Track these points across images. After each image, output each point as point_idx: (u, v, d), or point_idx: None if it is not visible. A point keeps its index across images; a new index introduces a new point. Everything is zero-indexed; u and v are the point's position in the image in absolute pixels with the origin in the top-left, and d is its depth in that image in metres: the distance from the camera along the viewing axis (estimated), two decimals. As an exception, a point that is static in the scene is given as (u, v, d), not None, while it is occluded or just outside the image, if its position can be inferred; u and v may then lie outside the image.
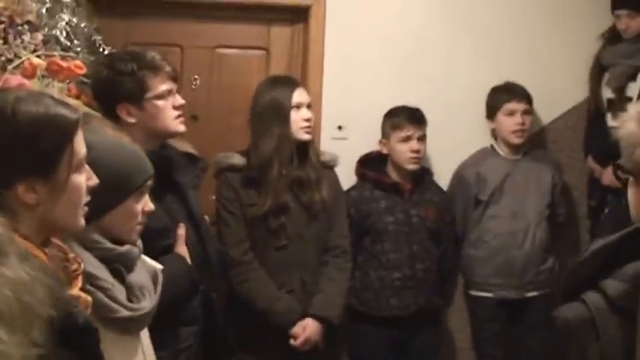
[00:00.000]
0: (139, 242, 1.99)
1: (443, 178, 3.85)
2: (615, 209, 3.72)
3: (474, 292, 3.80)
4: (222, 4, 3.75)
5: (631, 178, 1.52)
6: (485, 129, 3.87)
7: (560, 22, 4.01)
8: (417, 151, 3.59)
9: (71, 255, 1.54)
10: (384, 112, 3.71)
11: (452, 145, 3.90)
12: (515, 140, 3.75)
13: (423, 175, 3.70)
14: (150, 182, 1.94)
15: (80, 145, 1.51)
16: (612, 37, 3.81)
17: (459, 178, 3.85)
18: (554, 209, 3.82)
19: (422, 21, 3.92)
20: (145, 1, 3.66)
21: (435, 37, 3.93)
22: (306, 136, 3.17)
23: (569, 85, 4.00)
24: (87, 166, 1.55)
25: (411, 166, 3.60)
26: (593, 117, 3.88)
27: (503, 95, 3.77)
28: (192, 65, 3.84)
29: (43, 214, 1.44)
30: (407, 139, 3.59)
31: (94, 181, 1.59)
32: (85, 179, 1.53)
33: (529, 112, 3.76)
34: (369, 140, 3.73)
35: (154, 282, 1.98)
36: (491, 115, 3.81)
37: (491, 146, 3.85)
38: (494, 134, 3.85)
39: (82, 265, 1.57)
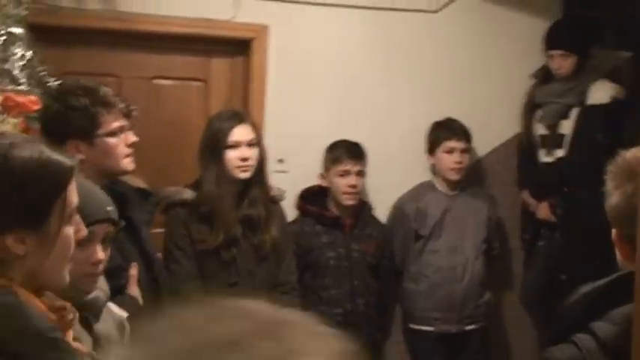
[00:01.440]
0: (106, 288, 1.91)
1: (381, 211, 3.88)
2: (549, 242, 3.87)
3: (414, 326, 3.82)
4: (161, 35, 3.68)
5: None
6: (423, 163, 3.93)
7: (494, 60, 4.13)
8: (354, 186, 3.60)
9: (68, 304, 1.47)
10: (325, 145, 3.73)
11: (390, 178, 3.93)
12: (453, 177, 3.81)
13: (363, 209, 3.71)
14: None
15: (73, 195, 1.44)
16: (545, 76, 3.94)
17: (398, 212, 3.87)
18: (489, 244, 3.90)
19: (363, 57, 3.96)
20: (82, 30, 3.55)
21: (376, 74, 3.98)
22: (242, 175, 3.08)
23: (500, 121, 4.12)
24: (77, 217, 1.48)
25: (348, 201, 3.61)
26: (526, 152, 4.00)
27: (444, 132, 3.82)
28: (130, 96, 3.74)
29: (32, 266, 1.37)
30: (345, 173, 3.60)
31: (83, 232, 1.51)
32: (73, 231, 1.45)
33: (467, 150, 3.83)
34: (309, 174, 3.73)
35: (121, 332, 1.90)
36: (431, 151, 3.86)
37: (431, 181, 3.90)
38: (434, 169, 3.90)
39: (77, 315, 1.50)
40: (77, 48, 3.64)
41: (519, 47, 4.12)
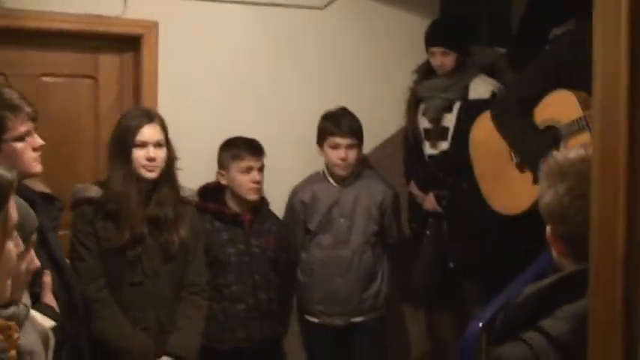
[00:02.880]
0: (27, 300, 1.87)
1: (274, 205, 3.91)
2: (436, 232, 4.03)
3: (307, 317, 3.91)
4: (49, 32, 3.56)
5: None
6: (313, 157, 3.98)
7: (380, 56, 4.28)
8: (258, 182, 3.62)
9: (12, 323, 1.43)
10: (216, 141, 3.73)
11: (281, 173, 3.96)
12: (339, 172, 3.83)
13: (260, 204, 3.74)
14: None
15: (13, 209, 1.40)
16: (427, 71, 4.08)
17: (290, 204, 3.92)
18: (383, 234, 3.96)
19: (251, 53, 4.00)
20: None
21: (264, 69, 4.03)
22: (148, 175, 3.06)
23: (387, 115, 4.25)
24: (15, 232, 1.44)
25: (252, 197, 3.62)
26: (411, 146, 4.13)
27: (330, 127, 3.81)
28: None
29: None
30: (248, 169, 3.61)
31: (21, 247, 1.48)
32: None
33: (354, 146, 3.79)
34: (202, 171, 3.72)
35: (45, 345, 1.85)
36: (319, 143, 3.88)
37: (323, 172, 3.93)
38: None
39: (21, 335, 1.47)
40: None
41: (402, 43, 4.28)
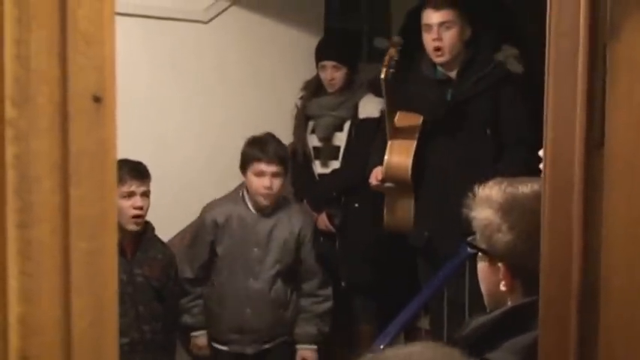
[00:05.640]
0: None
1: (163, 231, 3.65)
2: (328, 251, 3.96)
3: (214, 345, 3.73)
4: None
5: (480, 255, 1.62)
6: (204, 176, 3.87)
7: (266, 71, 4.17)
8: (140, 208, 3.38)
9: None
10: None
11: (165, 192, 3.75)
12: (263, 202, 3.59)
13: (145, 231, 3.49)
14: None
15: None
16: (315, 88, 4.01)
17: (201, 221, 3.70)
18: (298, 262, 3.75)
19: (134, 67, 3.74)
20: None
21: (147, 84, 3.80)
22: None
23: (273, 132, 4.13)
24: None
25: (132, 227, 3.37)
26: (300, 165, 4.04)
27: (255, 153, 3.55)
28: None
29: None
30: (129, 195, 3.37)
31: None
32: None
33: (279, 174, 3.56)
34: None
35: None
36: (242, 168, 3.63)
37: (242, 194, 3.68)
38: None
39: None
40: None
41: (287, 58, 4.22)
